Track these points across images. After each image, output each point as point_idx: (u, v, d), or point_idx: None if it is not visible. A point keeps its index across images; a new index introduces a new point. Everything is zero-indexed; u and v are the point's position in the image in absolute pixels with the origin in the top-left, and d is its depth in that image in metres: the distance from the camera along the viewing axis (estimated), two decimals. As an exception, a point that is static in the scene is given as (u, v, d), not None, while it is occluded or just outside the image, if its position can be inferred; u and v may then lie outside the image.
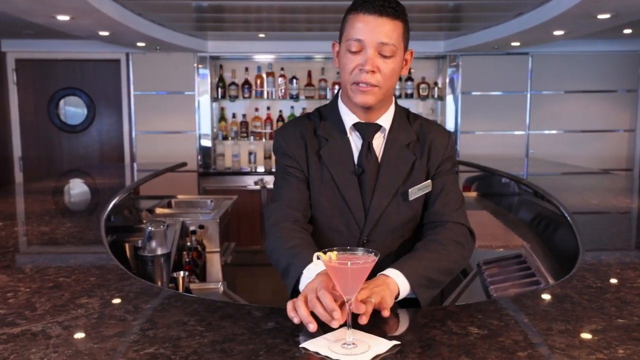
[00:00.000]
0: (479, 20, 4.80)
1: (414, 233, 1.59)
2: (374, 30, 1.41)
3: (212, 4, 4.16)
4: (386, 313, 1.21)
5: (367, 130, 1.53)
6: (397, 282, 1.32)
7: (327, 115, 1.59)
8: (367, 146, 1.53)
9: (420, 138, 1.57)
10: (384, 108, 1.54)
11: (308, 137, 1.56)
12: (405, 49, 1.49)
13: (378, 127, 1.54)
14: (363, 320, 1.16)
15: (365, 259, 1.11)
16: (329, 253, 1.11)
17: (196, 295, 2.06)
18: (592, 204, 2.74)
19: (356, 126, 1.54)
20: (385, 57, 1.42)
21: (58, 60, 5.90)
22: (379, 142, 1.55)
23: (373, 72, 1.42)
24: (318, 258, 1.13)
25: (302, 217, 1.51)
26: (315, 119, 1.60)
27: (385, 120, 1.55)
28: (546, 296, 1.39)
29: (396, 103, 1.60)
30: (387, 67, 1.43)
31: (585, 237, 1.97)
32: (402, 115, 1.60)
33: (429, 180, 1.55)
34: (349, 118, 1.54)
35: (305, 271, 1.31)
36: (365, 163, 1.52)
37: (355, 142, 1.55)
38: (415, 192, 1.53)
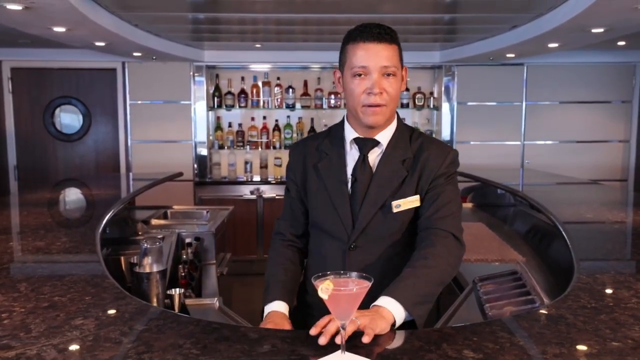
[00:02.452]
0: (474, 32, 4.83)
1: (402, 245, 1.64)
2: (375, 56, 1.54)
3: (209, 15, 4.18)
4: (365, 339, 1.21)
5: (364, 144, 1.65)
6: (390, 309, 1.35)
7: (333, 132, 1.74)
8: (362, 158, 1.64)
9: (416, 156, 1.64)
10: (385, 125, 1.64)
11: (310, 153, 1.72)
12: (402, 67, 1.62)
13: (376, 143, 1.65)
14: (337, 340, 1.18)
15: (360, 284, 1.11)
16: (325, 280, 1.11)
17: (192, 314, 2.06)
18: (587, 217, 2.74)
19: (356, 140, 1.66)
20: (388, 76, 1.56)
21: (54, 69, 5.89)
22: (375, 157, 1.65)
23: (381, 93, 1.55)
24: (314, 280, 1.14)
25: (291, 235, 1.77)
26: (322, 136, 1.76)
27: (384, 136, 1.65)
28: (541, 317, 1.39)
29: (400, 121, 1.71)
30: (391, 87, 1.56)
31: (581, 253, 1.97)
32: (405, 134, 1.68)
33: (417, 196, 1.61)
34: (350, 134, 1.67)
35: (265, 307, 1.60)
36: (359, 174, 1.63)
37: (354, 155, 1.67)
38: (399, 205, 1.61)
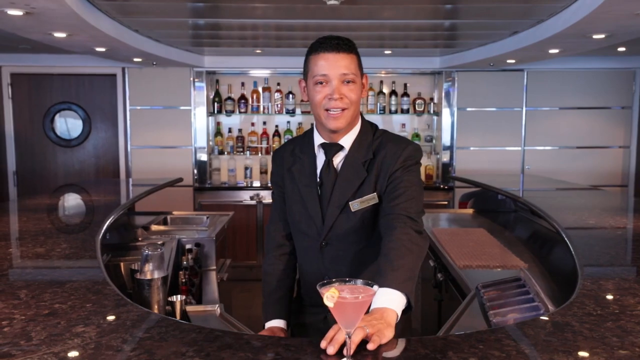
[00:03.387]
0: (475, 38, 4.83)
1: (368, 238, 1.75)
2: (335, 65, 1.64)
3: (209, 21, 4.18)
4: (370, 346, 1.22)
5: (329, 149, 1.76)
6: (393, 307, 1.39)
7: (307, 137, 1.85)
8: (327, 163, 1.76)
9: (375, 155, 1.74)
10: (347, 129, 1.74)
11: (287, 156, 1.84)
12: (362, 75, 1.72)
13: (340, 147, 1.75)
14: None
15: (365, 292, 1.10)
16: (330, 288, 1.10)
17: (193, 321, 2.05)
18: (589, 223, 2.73)
19: (322, 146, 1.77)
20: (347, 83, 1.66)
21: (54, 74, 5.89)
22: (339, 160, 1.76)
23: (341, 98, 1.65)
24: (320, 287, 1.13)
25: (283, 239, 1.90)
26: (297, 141, 1.88)
27: (347, 140, 1.75)
28: (547, 324, 1.38)
29: (364, 123, 1.79)
30: (351, 92, 1.67)
31: (584, 260, 1.96)
32: (368, 134, 1.77)
33: (374, 194, 1.71)
34: (317, 139, 1.79)
35: (266, 323, 1.84)
36: (325, 177, 1.76)
37: (321, 159, 1.79)
38: (357, 205, 1.72)
